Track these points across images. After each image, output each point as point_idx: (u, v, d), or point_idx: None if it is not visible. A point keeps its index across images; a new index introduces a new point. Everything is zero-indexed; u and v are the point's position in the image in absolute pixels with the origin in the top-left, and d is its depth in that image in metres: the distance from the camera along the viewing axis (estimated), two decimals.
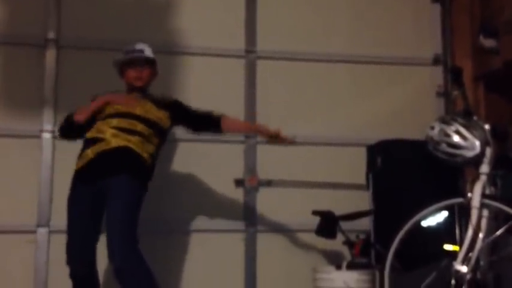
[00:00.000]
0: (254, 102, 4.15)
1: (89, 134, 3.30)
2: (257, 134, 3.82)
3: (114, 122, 3.29)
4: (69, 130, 3.38)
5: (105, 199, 3.14)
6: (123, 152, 3.23)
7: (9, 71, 3.90)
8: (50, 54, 3.92)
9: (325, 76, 4.28)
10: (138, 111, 3.35)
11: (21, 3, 3.96)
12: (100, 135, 3.25)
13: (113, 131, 3.26)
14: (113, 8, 4.04)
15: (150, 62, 3.50)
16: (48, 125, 3.86)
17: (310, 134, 4.15)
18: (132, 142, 3.25)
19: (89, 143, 3.27)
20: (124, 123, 3.29)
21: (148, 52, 3.50)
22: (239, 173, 4.07)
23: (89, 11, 3.99)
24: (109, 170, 3.19)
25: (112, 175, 3.17)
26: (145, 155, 3.28)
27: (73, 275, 3.22)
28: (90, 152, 3.24)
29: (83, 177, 3.25)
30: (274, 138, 3.38)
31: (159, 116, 3.41)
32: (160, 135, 3.41)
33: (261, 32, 4.21)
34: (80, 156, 3.29)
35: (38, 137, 3.85)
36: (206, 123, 3.52)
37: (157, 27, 4.08)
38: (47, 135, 3.85)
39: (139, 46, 3.52)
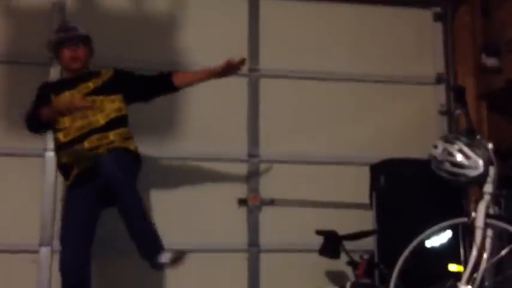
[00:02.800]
0: (257, 121, 4.15)
1: (65, 160, 3.31)
2: (214, 76, 3.47)
3: (86, 145, 3.25)
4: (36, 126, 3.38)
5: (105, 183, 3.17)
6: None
7: (14, 89, 3.91)
8: (55, 73, 3.93)
9: (328, 95, 4.28)
10: (100, 118, 3.29)
11: (26, 22, 3.98)
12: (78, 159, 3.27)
13: (90, 152, 3.23)
14: (116, 26, 4.06)
15: (84, 40, 3.43)
16: (51, 144, 3.85)
17: (313, 153, 4.15)
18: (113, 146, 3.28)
19: (67, 166, 3.31)
20: (96, 141, 3.26)
21: (80, 30, 3.45)
22: (242, 193, 4.06)
23: (93, 29, 3.98)
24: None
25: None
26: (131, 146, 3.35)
27: (65, 279, 3.16)
28: (75, 170, 3.26)
29: (77, 183, 3.27)
30: (228, 70, 3.34)
31: (117, 106, 3.35)
32: (127, 121, 3.40)
33: (264, 51, 4.23)
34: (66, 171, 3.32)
35: (42, 156, 3.85)
36: (158, 85, 3.44)
37: (160, 45, 4.09)
38: (50, 154, 3.84)
39: (70, 25, 3.50)
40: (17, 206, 3.80)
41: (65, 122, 3.30)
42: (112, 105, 3.35)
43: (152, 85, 3.45)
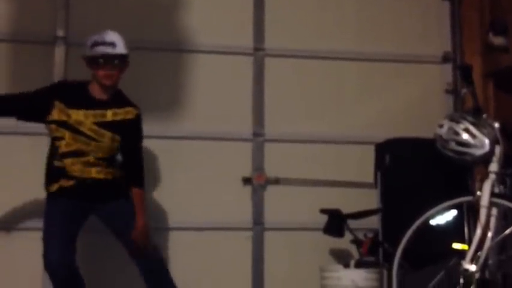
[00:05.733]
0: (262, 100, 4.14)
1: (66, 165, 3.24)
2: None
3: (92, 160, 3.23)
4: None
5: (102, 219, 3.30)
6: (109, 183, 3.27)
7: (18, 68, 3.90)
8: (59, 52, 3.93)
9: (334, 74, 4.26)
10: (99, 152, 3.24)
11: (30, 1, 3.97)
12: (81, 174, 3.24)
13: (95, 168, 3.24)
14: (121, 5, 4.04)
15: (120, 58, 3.21)
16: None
17: (319, 132, 4.14)
18: (112, 174, 3.29)
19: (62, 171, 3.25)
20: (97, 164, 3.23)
21: (120, 47, 3.20)
22: (247, 171, 4.07)
23: (98, 8, 3.99)
24: (100, 198, 3.25)
25: (104, 202, 3.26)
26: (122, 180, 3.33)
27: (53, 277, 3.13)
28: (66, 182, 3.23)
29: (69, 195, 3.23)
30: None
31: (116, 146, 3.27)
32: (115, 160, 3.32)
33: (269, 30, 4.20)
34: (59, 179, 3.26)
35: (47, 134, 3.85)
36: (128, 171, 3.32)
37: (165, 25, 4.07)
38: None
39: (109, 37, 3.20)
40: (22, 184, 3.81)
41: (65, 135, 3.24)
42: (113, 144, 3.27)
43: (128, 164, 3.32)
